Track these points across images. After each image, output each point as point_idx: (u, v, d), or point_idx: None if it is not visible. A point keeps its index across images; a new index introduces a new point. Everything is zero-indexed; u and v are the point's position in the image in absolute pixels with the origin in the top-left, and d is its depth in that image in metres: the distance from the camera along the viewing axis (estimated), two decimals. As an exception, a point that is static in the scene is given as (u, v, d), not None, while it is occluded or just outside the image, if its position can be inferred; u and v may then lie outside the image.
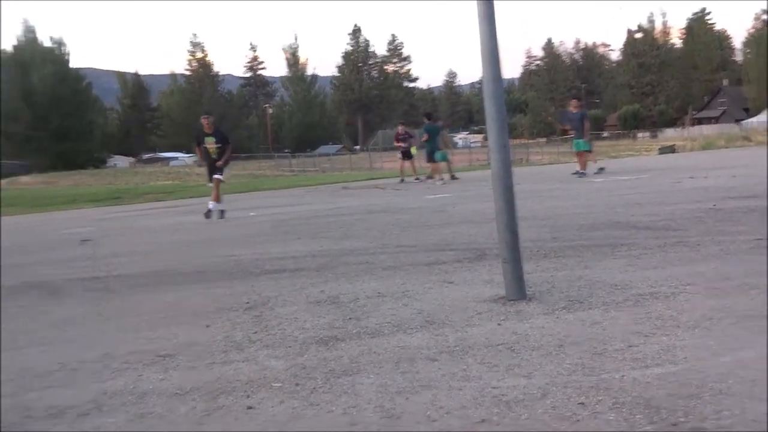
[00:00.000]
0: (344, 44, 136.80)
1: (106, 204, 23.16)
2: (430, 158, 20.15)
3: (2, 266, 7.83)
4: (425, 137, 20.14)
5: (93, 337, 4.06)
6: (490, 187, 4.25)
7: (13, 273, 7.23)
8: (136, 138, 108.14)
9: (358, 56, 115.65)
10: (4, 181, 59.99)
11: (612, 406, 2.43)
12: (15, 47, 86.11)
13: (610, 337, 3.25)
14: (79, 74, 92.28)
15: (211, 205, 12.37)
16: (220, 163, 12.41)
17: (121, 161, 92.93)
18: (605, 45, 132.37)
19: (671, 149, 39.59)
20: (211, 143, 12.49)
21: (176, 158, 75.14)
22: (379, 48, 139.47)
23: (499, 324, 3.65)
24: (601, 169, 18.48)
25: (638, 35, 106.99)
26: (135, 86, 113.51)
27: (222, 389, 2.93)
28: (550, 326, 3.52)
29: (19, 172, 71.31)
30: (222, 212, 12.51)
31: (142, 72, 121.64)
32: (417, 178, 21.21)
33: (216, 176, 12.43)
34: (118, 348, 3.75)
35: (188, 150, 70.94)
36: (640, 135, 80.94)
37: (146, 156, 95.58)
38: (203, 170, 13.72)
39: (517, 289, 4.16)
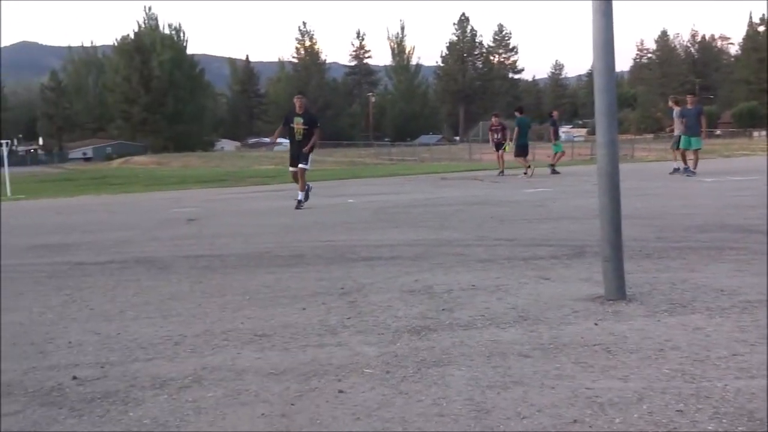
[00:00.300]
0: (450, 34, 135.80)
1: (213, 186, 23.99)
2: (519, 152, 20.02)
3: (113, 242, 8.25)
4: (516, 131, 20.00)
5: (195, 313, 4.23)
6: (592, 182, 4.15)
7: (124, 249, 7.61)
8: (243, 123, 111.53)
9: (463, 46, 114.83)
10: (118, 161, 63.11)
11: (712, 416, 2.33)
12: (136, 33, 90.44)
13: (714, 344, 3.12)
14: (193, 60, 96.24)
15: (300, 195, 11.94)
16: (306, 149, 11.97)
17: (227, 145, 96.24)
18: (724, 38, 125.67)
19: (790, 149, 37.38)
20: (299, 123, 12.07)
21: (280, 143, 76.86)
22: (486, 38, 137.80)
23: (595, 324, 3.56)
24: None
25: (761, 28, 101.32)
26: (245, 73, 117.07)
27: (315, 372, 2.99)
28: (650, 329, 3.41)
29: (135, 152, 75.18)
30: (307, 189, 12.20)
31: (252, 59, 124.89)
32: (501, 172, 21.04)
33: (301, 165, 11.98)
34: (218, 325, 3.89)
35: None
36: (756, 134, 76.81)
37: (251, 140, 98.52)
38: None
39: (617, 289, 4.04)
